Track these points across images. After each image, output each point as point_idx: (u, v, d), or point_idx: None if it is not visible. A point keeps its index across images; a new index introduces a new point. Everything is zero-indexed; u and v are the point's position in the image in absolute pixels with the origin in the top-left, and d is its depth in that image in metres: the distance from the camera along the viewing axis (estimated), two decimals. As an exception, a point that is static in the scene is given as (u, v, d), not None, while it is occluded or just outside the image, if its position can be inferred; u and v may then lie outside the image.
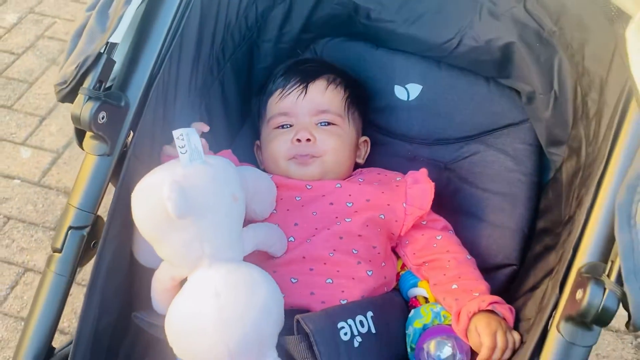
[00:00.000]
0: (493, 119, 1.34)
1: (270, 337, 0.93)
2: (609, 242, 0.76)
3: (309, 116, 1.27)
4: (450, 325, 1.04)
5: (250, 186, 1.07)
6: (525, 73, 1.24)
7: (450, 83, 1.37)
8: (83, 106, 0.88)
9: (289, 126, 1.27)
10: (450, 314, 1.05)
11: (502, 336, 0.95)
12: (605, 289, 0.71)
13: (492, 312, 1.01)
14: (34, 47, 2.53)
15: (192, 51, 1.13)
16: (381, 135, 1.42)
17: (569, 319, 0.76)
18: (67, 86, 0.88)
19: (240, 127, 1.41)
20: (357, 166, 1.35)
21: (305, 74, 1.30)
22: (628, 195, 0.71)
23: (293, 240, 1.11)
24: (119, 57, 0.94)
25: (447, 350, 1.01)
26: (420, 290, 1.14)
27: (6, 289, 1.78)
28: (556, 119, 1.18)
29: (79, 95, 0.88)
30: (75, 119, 0.88)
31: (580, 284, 0.75)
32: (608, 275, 0.72)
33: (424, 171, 1.22)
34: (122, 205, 0.95)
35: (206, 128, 1.13)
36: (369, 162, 1.38)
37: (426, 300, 1.14)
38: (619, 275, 0.71)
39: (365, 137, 1.38)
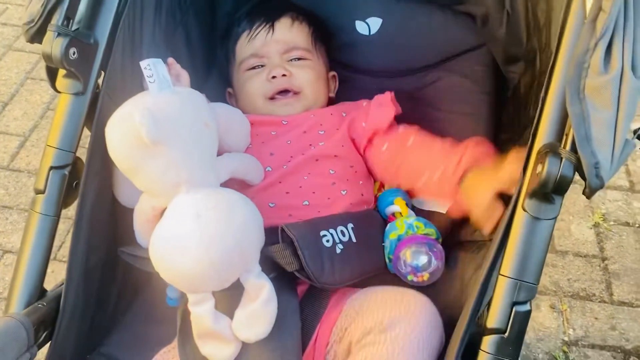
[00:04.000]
0: (451, 46, 1.38)
1: (252, 252, 0.94)
2: (563, 121, 0.81)
3: (279, 54, 1.28)
4: (423, 234, 1.08)
5: (222, 121, 1.07)
6: (477, -5, 1.28)
7: (408, 15, 1.39)
8: (53, 43, 0.88)
9: (261, 67, 1.28)
10: (422, 224, 1.10)
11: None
12: (561, 159, 0.76)
13: None
14: (-12, 34, 2.48)
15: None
16: (347, 71, 1.44)
17: (532, 195, 0.81)
18: (34, 24, 0.89)
19: (207, 74, 1.41)
20: (330, 102, 1.37)
21: (269, 13, 1.31)
22: (576, 71, 0.76)
23: (270, 169, 1.14)
24: (83, -4, 0.95)
25: (423, 258, 1.05)
26: (396, 207, 1.17)
27: (-14, 272, 1.74)
28: (511, 37, 1.23)
29: (47, 33, 0.89)
30: (47, 57, 0.89)
31: (539, 160, 0.80)
32: (564, 147, 0.78)
33: (388, 94, 1.25)
34: (100, 143, 0.96)
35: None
36: (337, 100, 1.40)
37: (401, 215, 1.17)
38: (573, 145, 0.76)
39: (333, 72, 1.40)
